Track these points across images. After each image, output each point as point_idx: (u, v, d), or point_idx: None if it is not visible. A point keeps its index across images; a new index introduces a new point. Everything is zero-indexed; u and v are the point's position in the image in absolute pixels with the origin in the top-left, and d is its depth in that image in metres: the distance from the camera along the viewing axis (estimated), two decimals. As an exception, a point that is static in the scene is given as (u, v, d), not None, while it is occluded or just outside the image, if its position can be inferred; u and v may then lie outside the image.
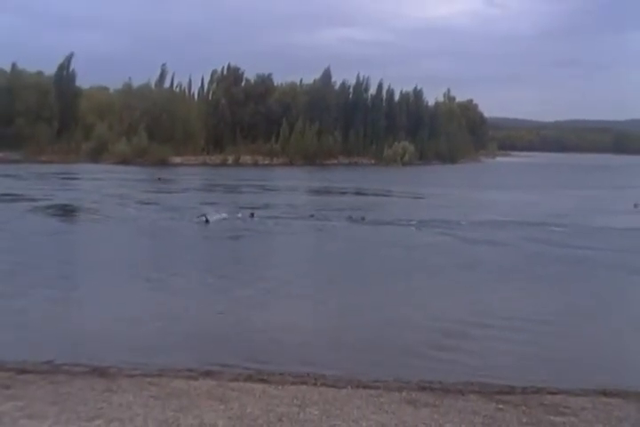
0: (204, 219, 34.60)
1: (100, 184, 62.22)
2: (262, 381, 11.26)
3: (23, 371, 11.43)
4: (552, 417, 9.70)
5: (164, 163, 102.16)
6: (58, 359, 12.48)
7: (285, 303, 18.29)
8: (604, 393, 11.27)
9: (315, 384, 11.16)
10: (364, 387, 11.06)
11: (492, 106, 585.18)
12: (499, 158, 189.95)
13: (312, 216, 38.35)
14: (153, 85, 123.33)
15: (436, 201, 52.15)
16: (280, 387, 10.83)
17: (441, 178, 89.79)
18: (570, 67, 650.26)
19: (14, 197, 45.88)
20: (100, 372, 11.53)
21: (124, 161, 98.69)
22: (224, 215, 35.98)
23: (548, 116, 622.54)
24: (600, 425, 9.46)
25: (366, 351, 14.01)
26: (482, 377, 12.17)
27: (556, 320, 17.14)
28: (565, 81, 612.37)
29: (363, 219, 37.22)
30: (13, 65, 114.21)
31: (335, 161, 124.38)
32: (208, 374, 11.71)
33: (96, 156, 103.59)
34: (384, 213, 41.41)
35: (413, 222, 36.24)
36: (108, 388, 10.43)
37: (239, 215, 36.69)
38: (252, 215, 36.68)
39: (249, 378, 11.43)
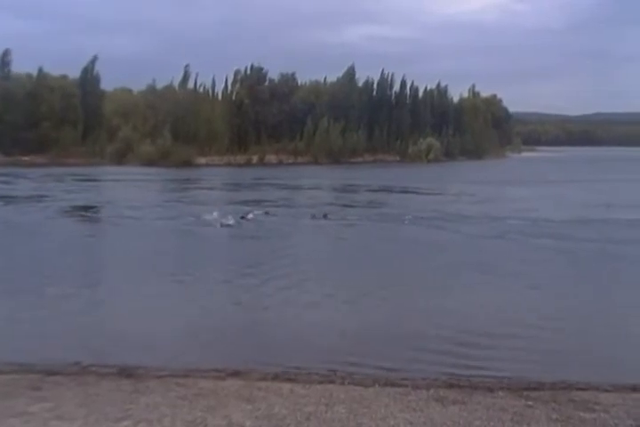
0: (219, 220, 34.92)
1: (123, 186, 62.88)
2: (289, 380, 11.27)
3: (52, 373, 11.51)
4: (582, 413, 9.62)
5: (188, 164, 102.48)
6: (86, 361, 12.55)
7: (310, 301, 18.32)
8: (635, 389, 11.17)
9: (342, 383, 11.15)
10: (392, 385, 11.03)
11: (516, 100, 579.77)
12: (525, 153, 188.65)
13: (267, 213, 38.53)
14: (176, 86, 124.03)
15: (448, 197, 52.42)
16: (307, 386, 10.83)
17: (466, 174, 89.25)
18: (597, 59, 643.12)
19: (39, 199, 46.45)
20: (127, 373, 11.58)
21: (149, 163, 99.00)
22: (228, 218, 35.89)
23: (575, 110, 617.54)
24: (631, 422, 9.35)
25: (393, 349, 13.99)
26: (510, 373, 12.13)
27: (583, 315, 17.04)
28: (592, 74, 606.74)
29: (325, 216, 37.26)
30: (39, 69, 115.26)
31: (360, 159, 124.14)
32: (235, 373, 11.72)
33: (121, 158, 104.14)
34: (374, 210, 41.82)
35: (407, 217, 36.67)
36: (135, 389, 10.48)
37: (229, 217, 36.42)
38: (244, 217, 36.33)
39: (276, 377, 11.44)
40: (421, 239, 30.34)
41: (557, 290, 20.14)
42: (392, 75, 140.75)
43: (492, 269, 23.31)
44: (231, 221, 34.42)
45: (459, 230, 32.69)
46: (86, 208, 42.30)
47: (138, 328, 15.45)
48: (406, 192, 57.00)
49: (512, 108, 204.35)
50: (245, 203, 44.81)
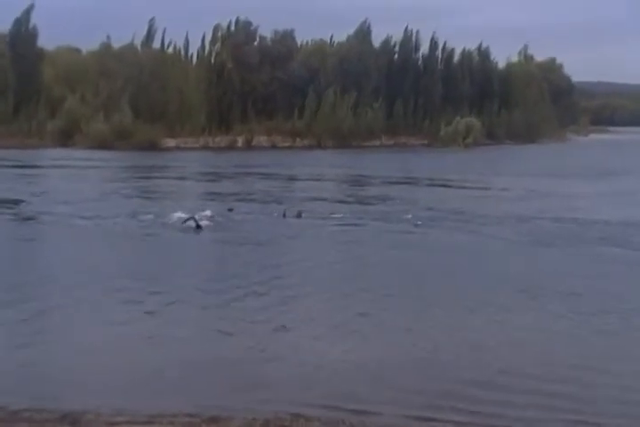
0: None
1: (65, 174, 62.84)
2: (283, 428, 11.27)
3: (-29, 420, 11.48)
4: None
5: (153, 147, 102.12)
6: (16, 404, 12.52)
7: (305, 325, 18.35)
8: None
9: (352, 432, 11.15)
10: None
11: (582, 67, 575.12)
12: (593, 136, 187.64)
13: (230, 210, 39.17)
14: (138, 46, 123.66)
15: (485, 193, 52.97)
16: (306, 436, 10.83)
17: (513, 162, 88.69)
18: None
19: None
20: (71, 419, 11.57)
21: (103, 144, 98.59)
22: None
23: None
24: None
25: (414, 393, 13.95)
26: None
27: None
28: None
29: (299, 215, 37.64)
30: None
31: (377, 142, 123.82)
32: (213, 420, 11.73)
33: (65, 138, 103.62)
34: (373, 207, 42.76)
35: (409, 217, 37.43)
36: (82, 439, 10.46)
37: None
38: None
39: (265, 424, 11.44)
40: (435, 247, 30.52)
41: (622, 317, 20.09)
42: (417, 32, 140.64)
43: (534, 286, 23.32)
44: (193, 223, 34.54)
45: (490, 235, 32.83)
46: (11, 203, 42.25)
47: (86, 363, 15.42)
48: (432, 185, 57.26)
49: (576, 77, 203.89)
50: (219, 197, 45.13)
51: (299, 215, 37.53)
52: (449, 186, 56.58)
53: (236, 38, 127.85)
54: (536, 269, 26.11)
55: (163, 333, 17.75)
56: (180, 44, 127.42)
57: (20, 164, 72.48)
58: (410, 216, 37.08)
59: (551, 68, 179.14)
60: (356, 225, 35.52)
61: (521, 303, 21.23)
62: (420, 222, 35.70)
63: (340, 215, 37.90)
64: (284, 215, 37.54)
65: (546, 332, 18.39)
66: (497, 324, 19.10)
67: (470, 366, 15.58)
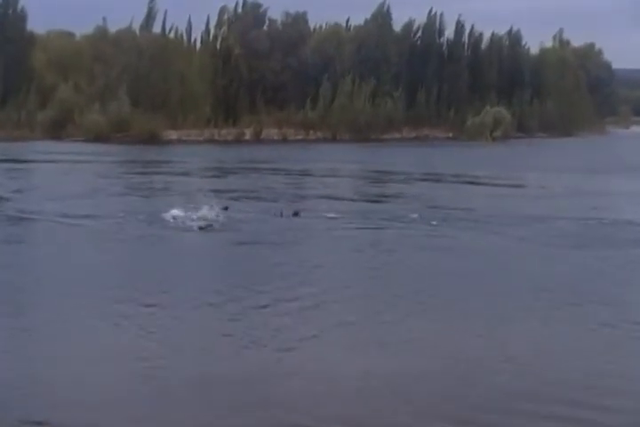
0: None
1: (56, 169, 63.01)
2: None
3: None
4: None
5: (153, 139, 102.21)
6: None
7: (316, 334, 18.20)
8: None
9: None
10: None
11: (625, 53, 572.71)
12: (635, 128, 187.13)
13: (226, 209, 38.33)
14: (137, 30, 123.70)
15: (514, 190, 52.85)
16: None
17: (547, 158, 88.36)
18: None
19: None
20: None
21: (98, 137, 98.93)
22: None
23: None
24: None
25: (438, 414, 13.75)
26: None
27: None
28: None
29: (296, 214, 37.32)
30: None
31: (397, 135, 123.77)
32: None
33: (58, 130, 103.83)
34: (383, 206, 43.01)
35: (415, 215, 37.15)
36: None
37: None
38: None
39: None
40: (449, 249, 30.03)
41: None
42: (442, 15, 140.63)
43: (565, 294, 23.02)
44: (189, 223, 34.52)
45: (515, 236, 32.34)
46: (29, 205, 42.19)
47: (77, 380, 15.15)
48: (457, 182, 57.29)
49: (617, 64, 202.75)
50: (222, 195, 44.86)
51: (296, 214, 37.29)
52: (475, 183, 56.43)
53: (244, 22, 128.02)
54: (567, 275, 25.80)
55: (161, 346, 17.58)
56: (183, 27, 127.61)
57: (7, 157, 72.62)
58: (416, 215, 36.85)
59: (589, 54, 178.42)
60: (359, 226, 35.08)
61: (554, 313, 20.95)
62: (435, 223, 35.40)
63: (342, 215, 37.52)
64: (281, 214, 37.33)
65: (583, 347, 18.18)
66: (527, 334, 18.89)
67: (502, 387, 15.32)
